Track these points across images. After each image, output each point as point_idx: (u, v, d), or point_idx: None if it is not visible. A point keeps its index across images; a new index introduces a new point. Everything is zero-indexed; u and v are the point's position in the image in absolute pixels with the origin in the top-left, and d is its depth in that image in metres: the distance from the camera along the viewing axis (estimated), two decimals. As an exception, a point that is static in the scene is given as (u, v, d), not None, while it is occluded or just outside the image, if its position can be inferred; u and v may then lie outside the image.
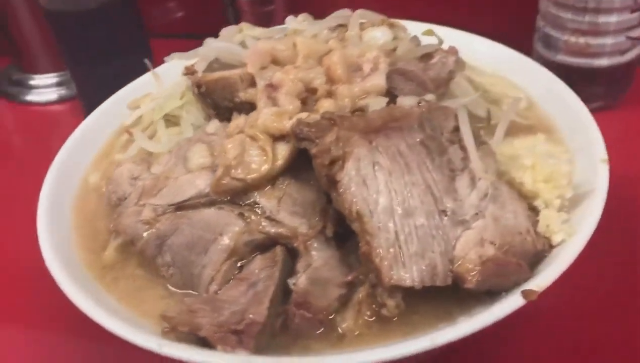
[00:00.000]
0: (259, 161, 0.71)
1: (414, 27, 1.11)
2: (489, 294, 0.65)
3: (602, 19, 1.18)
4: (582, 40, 1.22)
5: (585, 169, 0.79)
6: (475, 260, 0.63)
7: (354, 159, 0.64)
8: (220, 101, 0.83)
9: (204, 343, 0.63)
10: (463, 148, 0.71)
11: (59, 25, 1.29)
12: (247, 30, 0.90)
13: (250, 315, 0.63)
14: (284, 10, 1.49)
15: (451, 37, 1.09)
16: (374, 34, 0.82)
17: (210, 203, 0.73)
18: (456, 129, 0.72)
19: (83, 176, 0.93)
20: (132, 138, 0.99)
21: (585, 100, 1.26)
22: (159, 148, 0.91)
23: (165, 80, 1.08)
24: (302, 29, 0.88)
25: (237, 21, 1.59)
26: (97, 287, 0.75)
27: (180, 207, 0.75)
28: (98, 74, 1.36)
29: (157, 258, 0.74)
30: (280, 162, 0.72)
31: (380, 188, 0.64)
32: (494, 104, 0.94)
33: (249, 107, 0.80)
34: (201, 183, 0.75)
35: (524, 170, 0.75)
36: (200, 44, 1.41)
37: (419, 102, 0.73)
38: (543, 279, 0.64)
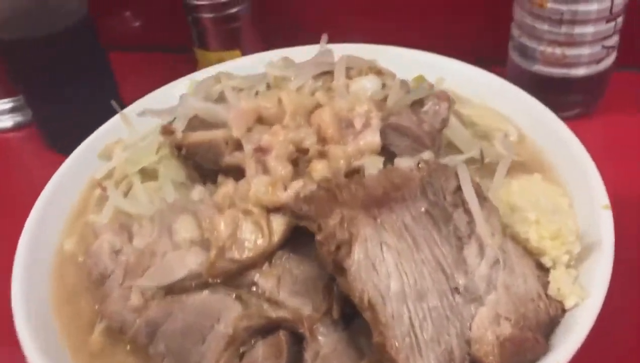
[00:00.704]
0: (254, 238, 0.67)
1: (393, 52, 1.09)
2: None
3: (578, 30, 1.17)
4: (558, 50, 1.21)
5: (586, 215, 0.76)
6: (493, 341, 0.60)
7: (360, 241, 0.60)
8: (204, 163, 0.77)
9: None
10: (467, 211, 0.68)
11: (13, 51, 1.21)
12: (225, 81, 0.84)
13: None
14: (250, 27, 1.42)
15: (432, 62, 1.07)
16: (362, 84, 0.77)
17: (204, 286, 0.68)
18: (458, 189, 0.69)
19: (58, 241, 0.87)
20: (106, 193, 0.93)
21: (562, 108, 1.25)
22: (138, 209, 0.85)
23: (136, 122, 1.02)
24: (284, 76, 0.83)
25: (201, 39, 1.53)
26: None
27: (171, 289, 0.69)
28: (55, 99, 1.28)
29: (149, 347, 0.69)
30: (277, 237, 0.67)
31: (390, 271, 0.61)
32: (483, 139, 0.91)
33: (236, 170, 0.75)
34: (192, 262, 0.69)
35: (529, 225, 0.72)
36: (160, 58, 1.33)
37: (418, 163, 0.69)
38: (562, 355, 0.61)
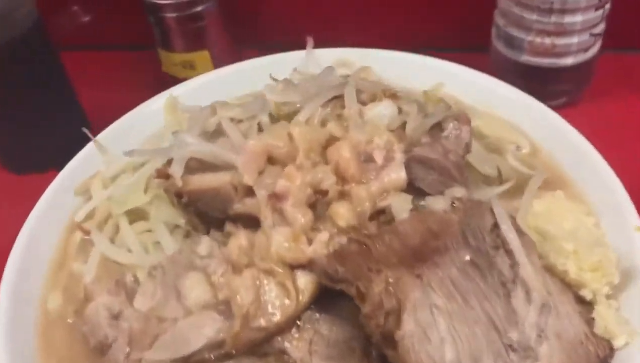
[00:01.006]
0: (281, 301, 0.60)
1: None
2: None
3: (568, 19, 1.12)
4: (547, 40, 1.17)
5: (617, 237, 0.73)
6: (554, 400, 0.56)
7: (410, 307, 0.54)
8: (209, 211, 0.69)
9: None
10: (509, 252, 0.62)
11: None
12: (222, 112, 0.75)
13: None
14: (218, 27, 1.31)
15: (429, 65, 1.00)
16: (378, 111, 0.70)
17: (226, 357, 0.61)
18: (495, 226, 0.64)
19: (41, 295, 0.78)
20: (88, 236, 0.83)
21: (549, 97, 1.22)
22: (130, 259, 0.77)
23: (111, 149, 0.92)
24: (286, 102, 0.75)
25: (164, 40, 1.41)
26: None
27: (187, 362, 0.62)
28: (11, 117, 1.16)
29: None
30: (305, 298, 0.61)
31: (443, 336, 0.55)
32: (495, 152, 0.86)
33: (247, 217, 0.67)
34: (209, 330, 0.62)
35: (566, 257, 0.68)
36: (118, 56, 1.20)
37: (452, 203, 0.63)
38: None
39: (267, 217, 0.63)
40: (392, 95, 0.71)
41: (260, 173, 0.66)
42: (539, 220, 0.73)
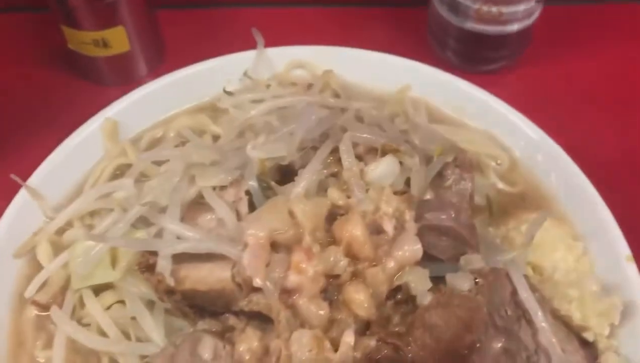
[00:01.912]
0: (311, 420, 0.56)
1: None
2: None
3: (516, -13, 1.09)
4: (494, 9, 1.13)
5: (607, 265, 0.74)
6: None
7: None
8: (207, 307, 0.61)
9: None
10: (529, 321, 0.61)
11: None
12: (202, 181, 0.64)
13: None
14: (127, 3, 1.13)
15: (398, 65, 0.93)
16: (381, 171, 0.64)
17: None
18: (513, 294, 0.62)
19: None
20: (44, 312, 0.73)
21: (490, 62, 1.21)
22: (105, 345, 0.67)
23: (47, 194, 0.79)
24: (270, 158, 0.66)
25: (70, 18, 1.21)
26: None
27: None
28: None
29: None
30: (336, 407, 0.56)
31: None
32: (476, 170, 0.83)
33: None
34: None
35: (569, 302, 0.69)
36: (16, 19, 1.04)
37: (475, 279, 0.60)
38: None
39: (280, 317, 0.57)
40: (394, 149, 0.65)
41: (267, 265, 0.58)
42: (533, 255, 0.73)
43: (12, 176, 0.78)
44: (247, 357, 0.58)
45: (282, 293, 0.58)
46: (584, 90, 1.09)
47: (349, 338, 0.57)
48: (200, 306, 0.62)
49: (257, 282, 0.57)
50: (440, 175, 0.68)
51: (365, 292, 0.60)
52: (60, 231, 0.77)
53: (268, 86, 0.89)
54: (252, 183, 0.64)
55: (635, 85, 1.09)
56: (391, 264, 0.60)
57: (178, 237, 0.61)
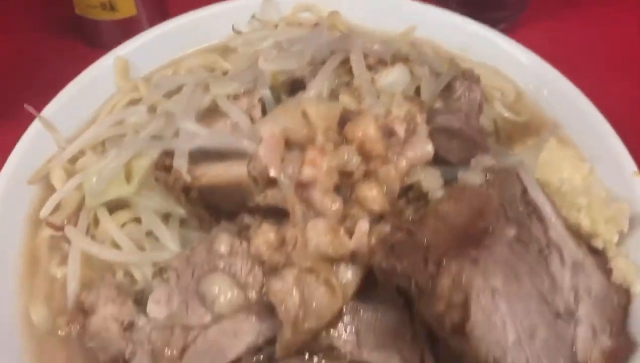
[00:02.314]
0: (328, 299, 0.56)
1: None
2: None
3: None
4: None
5: (614, 181, 0.75)
6: (600, 359, 0.58)
7: (474, 297, 0.53)
8: (223, 205, 0.62)
9: None
10: (540, 218, 0.62)
11: None
12: (216, 89, 0.66)
13: None
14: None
15: (418, 14, 0.95)
16: (391, 79, 0.65)
17: (270, 360, 0.58)
18: (524, 193, 0.63)
19: (22, 311, 0.68)
20: (58, 232, 0.73)
21: (492, 24, 1.22)
22: (119, 256, 0.68)
23: (60, 126, 0.80)
24: (284, 71, 0.67)
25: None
26: None
27: (229, 373, 0.58)
28: None
29: None
30: (350, 292, 0.57)
31: (505, 320, 0.55)
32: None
33: (267, 209, 0.61)
34: (248, 333, 0.58)
35: (578, 210, 0.69)
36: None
37: (486, 176, 0.61)
38: (652, 353, 0.61)
39: (296, 208, 0.58)
40: (404, 59, 0.66)
41: (281, 161, 0.59)
42: (541, 171, 0.74)
43: (26, 106, 0.79)
44: (264, 249, 0.59)
45: (296, 187, 0.59)
46: (584, 49, 1.10)
47: (363, 226, 0.58)
48: (215, 206, 0.63)
49: (273, 172, 0.58)
50: (449, 87, 0.69)
51: (378, 188, 0.61)
52: (74, 159, 0.78)
53: (276, 26, 0.90)
54: (265, 92, 0.65)
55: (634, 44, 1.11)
56: (403, 163, 0.62)
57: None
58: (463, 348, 0.53)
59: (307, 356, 0.58)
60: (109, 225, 0.70)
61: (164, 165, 0.62)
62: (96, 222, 0.72)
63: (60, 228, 0.74)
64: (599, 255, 0.69)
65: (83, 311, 0.64)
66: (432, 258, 0.53)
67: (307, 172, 0.59)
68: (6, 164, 0.76)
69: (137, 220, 0.71)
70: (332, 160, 0.59)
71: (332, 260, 0.57)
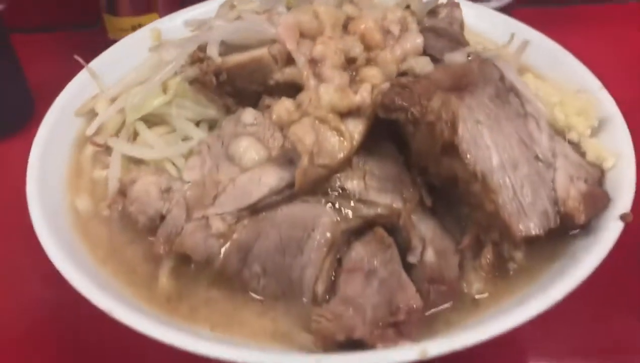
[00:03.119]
0: (338, 143, 0.66)
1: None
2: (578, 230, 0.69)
3: None
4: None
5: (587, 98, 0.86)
6: (578, 197, 0.67)
7: (462, 120, 0.63)
8: (248, 86, 0.74)
9: (355, 346, 0.58)
10: (517, 95, 0.73)
11: None
12: (241, 5, 0.80)
13: (405, 303, 0.59)
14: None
15: None
16: (385, -4, 0.79)
17: (290, 199, 0.66)
18: (501, 78, 0.74)
19: (68, 203, 0.77)
20: (102, 148, 0.84)
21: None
22: (155, 153, 0.79)
23: (105, 78, 0.93)
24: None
25: (110, 4, 1.42)
26: (176, 323, 0.64)
27: (255, 210, 0.66)
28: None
29: (242, 272, 0.65)
30: (357, 138, 0.67)
31: (488, 144, 0.64)
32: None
33: (284, 87, 0.73)
34: (271, 179, 0.67)
35: (552, 107, 0.80)
36: (64, 37, 1.17)
37: (468, 56, 0.73)
38: (626, 201, 0.69)
39: (309, 79, 0.70)
40: (395, -18, 0.81)
41: (297, 43, 0.72)
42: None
43: (75, 56, 0.92)
44: (284, 114, 0.69)
45: (309, 63, 0.71)
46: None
47: (367, 86, 0.69)
48: (241, 90, 0.74)
49: (289, 45, 0.70)
50: (433, 12, 0.83)
51: (377, 69, 0.72)
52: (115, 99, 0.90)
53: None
54: (282, 9, 0.79)
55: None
56: (398, 51, 0.74)
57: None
58: (453, 166, 0.62)
59: (322, 194, 0.66)
60: (146, 133, 0.81)
61: (198, 57, 0.74)
62: (135, 135, 0.83)
63: (102, 145, 0.84)
64: (575, 145, 0.79)
65: (123, 194, 0.73)
66: (425, 96, 0.64)
67: (319, 49, 0.71)
68: (55, 102, 0.88)
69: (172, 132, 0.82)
70: (339, 44, 0.72)
71: (341, 114, 0.68)
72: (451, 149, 0.62)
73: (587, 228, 0.69)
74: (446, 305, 0.64)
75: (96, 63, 0.95)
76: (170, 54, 0.81)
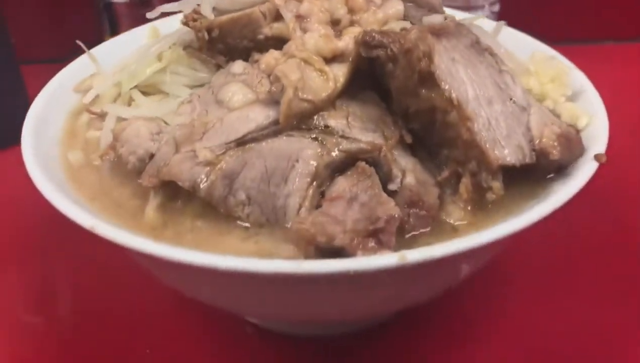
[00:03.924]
0: (322, 82, 0.70)
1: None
2: (557, 172, 0.72)
3: None
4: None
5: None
6: (553, 136, 0.69)
7: (437, 53, 0.67)
8: (238, 42, 0.78)
9: (335, 256, 0.59)
10: (492, 54, 0.77)
11: None
12: None
13: (384, 213, 0.60)
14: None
15: None
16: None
17: (275, 133, 0.69)
18: (477, 41, 0.79)
19: (61, 156, 0.80)
20: (94, 115, 0.87)
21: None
22: (145, 112, 0.82)
23: (105, 64, 0.97)
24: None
25: (113, 27, 1.50)
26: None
27: (242, 143, 0.69)
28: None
29: (228, 199, 0.67)
30: (342, 80, 0.71)
31: (464, 79, 0.68)
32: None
33: (273, 43, 0.77)
34: (258, 116, 0.70)
35: (528, 77, 0.84)
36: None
37: (445, 18, 0.78)
38: (598, 147, 0.72)
39: (296, 30, 0.74)
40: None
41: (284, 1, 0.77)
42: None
43: (77, 42, 0.97)
44: (271, 62, 0.73)
45: (297, 18, 0.76)
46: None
47: (350, 33, 0.73)
48: (232, 47, 0.79)
49: (277, 1, 0.75)
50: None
51: (360, 30, 0.77)
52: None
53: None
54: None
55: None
56: (380, 14, 0.79)
57: None
58: (430, 96, 0.66)
59: (306, 130, 0.69)
60: (141, 99, 0.85)
61: (192, 16, 0.79)
62: (131, 102, 0.86)
63: (98, 113, 0.87)
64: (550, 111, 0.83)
65: (117, 140, 0.76)
66: (403, 36, 0.68)
67: (305, 6, 0.76)
68: (53, 78, 0.92)
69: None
70: (324, 4, 0.77)
71: (325, 60, 0.72)
72: (428, 76, 0.65)
73: (563, 174, 0.72)
74: (425, 230, 0.66)
75: (97, 50, 1.00)
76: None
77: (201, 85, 0.84)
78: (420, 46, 0.66)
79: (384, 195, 0.64)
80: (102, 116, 0.86)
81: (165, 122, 0.80)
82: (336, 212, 0.63)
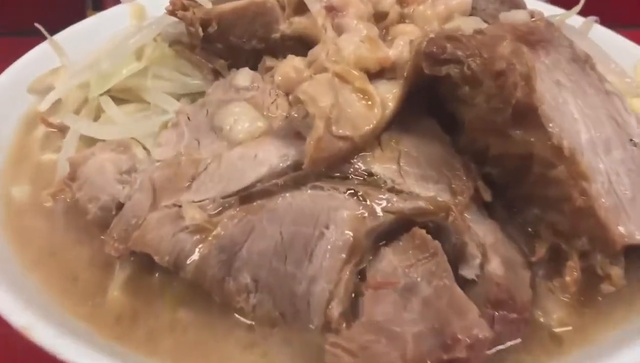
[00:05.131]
0: (364, 109, 0.48)
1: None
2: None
3: None
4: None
5: None
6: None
7: (539, 76, 0.45)
8: (244, 42, 0.56)
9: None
10: (592, 68, 0.56)
11: None
12: None
13: (466, 333, 0.40)
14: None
15: None
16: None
17: (296, 184, 0.48)
18: (570, 45, 0.57)
19: (3, 190, 0.59)
20: (52, 129, 0.66)
21: None
22: (116, 133, 0.60)
23: (71, 53, 0.76)
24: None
25: (97, 4, 1.28)
26: (125, 353, 0.44)
27: (248, 197, 0.47)
28: None
29: (225, 283, 0.46)
30: (391, 105, 0.49)
31: (575, 115, 0.46)
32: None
33: (292, 45, 0.55)
34: (271, 156, 0.48)
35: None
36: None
37: (532, 16, 0.56)
38: None
39: (328, 29, 0.52)
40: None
41: (310, -10, 0.55)
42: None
43: (36, 25, 0.75)
44: (291, 74, 0.52)
45: (329, 10, 0.54)
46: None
47: (402, 40, 0.52)
48: (234, 48, 0.57)
49: (302, -16, 0.53)
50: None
51: (413, 27, 0.56)
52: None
53: None
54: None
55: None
56: (441, 7, 0.57)
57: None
58: (527, 139, 0.44)
59: (340, 179, 0.48)
60: (113, 110, 0.63)
61: (182, 3, 0.57)
62: (99, 112, 0.65)
63: (56, 126, 0.66)
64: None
65: (73, 179, 0.55)
66: (486, 48, 0.46)
67: (340, -5, 0.54)
68: (4, 74, 0.70)
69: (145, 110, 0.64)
70: (366, -9, 0.55)
71: (369, 74, 0.50)
72: (527, 112, 0.44)
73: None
74: (515, 342, 0.45)
75: (63, 36, 0.78)
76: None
77: (191, 95, 0.62)
78: (518, 66, 0.44)
79: (460, 292, 0.43)
80: (61, 130, 0.65)
81: (144, 146, 0.60)
82: (385, 315, 0.43)
